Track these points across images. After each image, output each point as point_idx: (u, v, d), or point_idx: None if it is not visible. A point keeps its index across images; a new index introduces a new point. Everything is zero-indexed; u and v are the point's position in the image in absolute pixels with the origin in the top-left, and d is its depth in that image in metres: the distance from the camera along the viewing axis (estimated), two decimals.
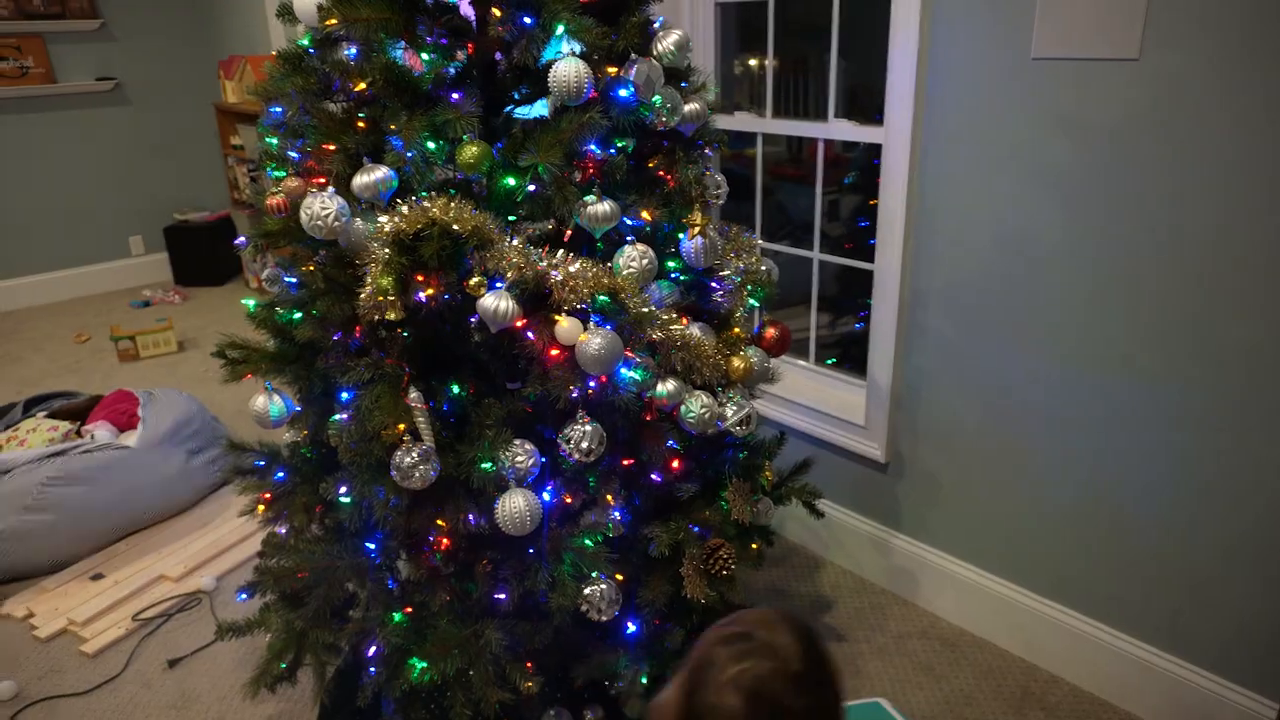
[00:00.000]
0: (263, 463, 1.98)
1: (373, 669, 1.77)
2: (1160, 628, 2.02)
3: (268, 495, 1.94)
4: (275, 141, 1.74)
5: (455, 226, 1.48)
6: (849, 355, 2.97)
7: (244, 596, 1.99)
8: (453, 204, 1.49)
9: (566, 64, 1.52)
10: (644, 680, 1.81)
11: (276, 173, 1.70)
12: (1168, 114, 1.72)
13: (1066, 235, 1.93)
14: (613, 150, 1.72)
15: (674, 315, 1.66)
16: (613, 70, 1.59)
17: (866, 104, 2.47)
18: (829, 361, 2.80)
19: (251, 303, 1.84)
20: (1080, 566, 2.12)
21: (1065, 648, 2.18)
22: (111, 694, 2.28)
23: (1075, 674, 2.18)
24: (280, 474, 1.92)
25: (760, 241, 2.13)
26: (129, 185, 5.58)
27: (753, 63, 3.18)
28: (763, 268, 1.91)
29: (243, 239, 1.78)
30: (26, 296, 5.37)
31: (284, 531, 1.94)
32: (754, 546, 1.96)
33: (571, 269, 1.53)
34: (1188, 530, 1.91)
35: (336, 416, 1.67)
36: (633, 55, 1.61)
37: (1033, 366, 2.07)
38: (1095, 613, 2.12)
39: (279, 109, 1.70)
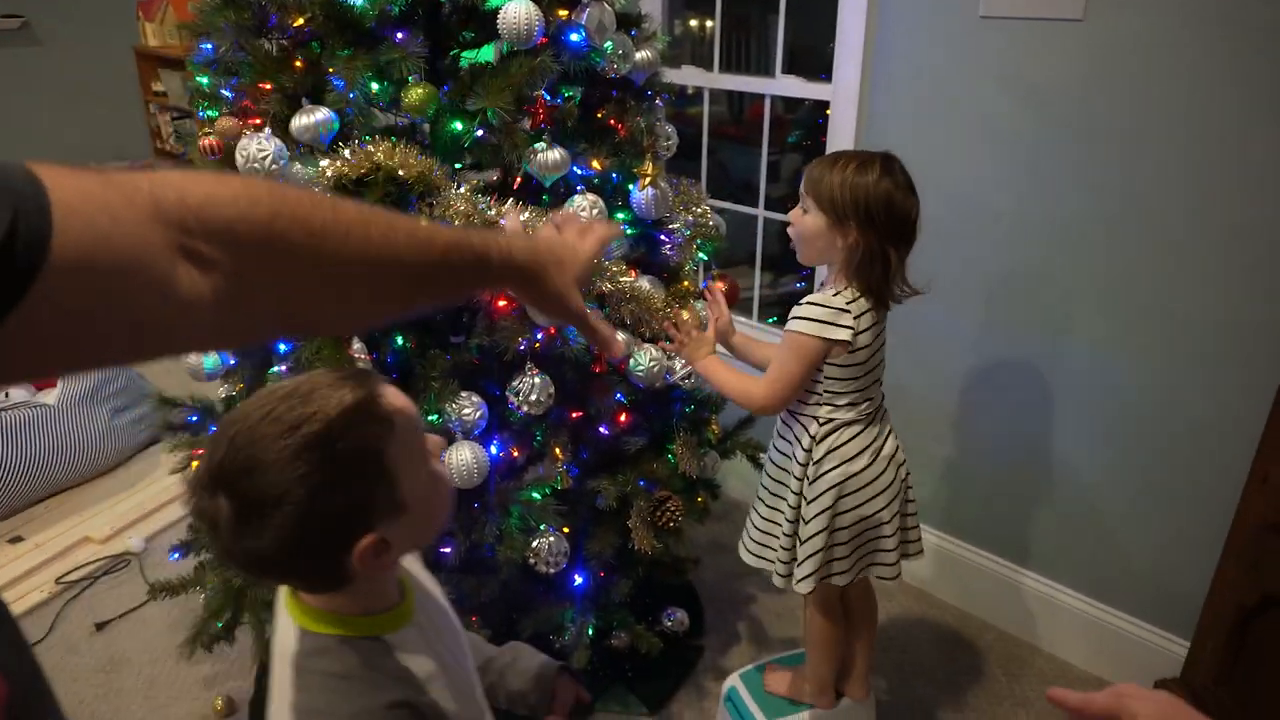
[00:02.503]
0: (195, 418, 1.91)
1: None
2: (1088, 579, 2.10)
3: (201, 451, 1.88)
4: (207, 80, 1.66)
5: (400, 172, 1.43)
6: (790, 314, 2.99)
7: (176, 556, 1.93)
8: (398, 148, 1.44)
9: (516, 5, 1.47)
10: (590, 632, 1.82)
11: (209, 113, 1.62)
12: (1112, 74, 1.76)
13: (1014, 194, 1.96)
14: (561, 99, 1.69)
15: (623, 267, 1.65)
16: (564, 13, 1.55)
17: (812, 64, 2.47)
18: (770, 320, 2.82)
19: None
20: (1013, 518, 2.19)
21: (993, 590, 2.27)
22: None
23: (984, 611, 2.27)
24: (214, 429, 1.85)
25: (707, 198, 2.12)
26: (41, 133, 5.27)
27: (694, 23, 3.15)
28: (711, 221, 1.90)
29: None
30: None
31: None
32: (700, 500, 1.97)
33: (520, 218, 1.49)
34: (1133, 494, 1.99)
35: (275, 369, 1.62)
36: None
37: (977, 327, 2.11)
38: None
39: (210, 45, 1.62)
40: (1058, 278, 1.95)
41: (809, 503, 1.57)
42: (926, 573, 2.40)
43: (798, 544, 1.60)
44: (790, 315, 1.52)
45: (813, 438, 1.55)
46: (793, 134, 3.62)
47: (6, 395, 2.90)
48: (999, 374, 2.11)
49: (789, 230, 1.55)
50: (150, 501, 2.80)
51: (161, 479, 2.87)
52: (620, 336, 1.64)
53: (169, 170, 0.52)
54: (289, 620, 0.88)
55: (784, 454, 1.62)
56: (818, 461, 1.55)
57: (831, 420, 1.55)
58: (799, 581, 1.60)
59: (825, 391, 1.54)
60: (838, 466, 1.55)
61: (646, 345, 1.68)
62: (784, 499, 1.62)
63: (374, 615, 0.88)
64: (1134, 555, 2.01)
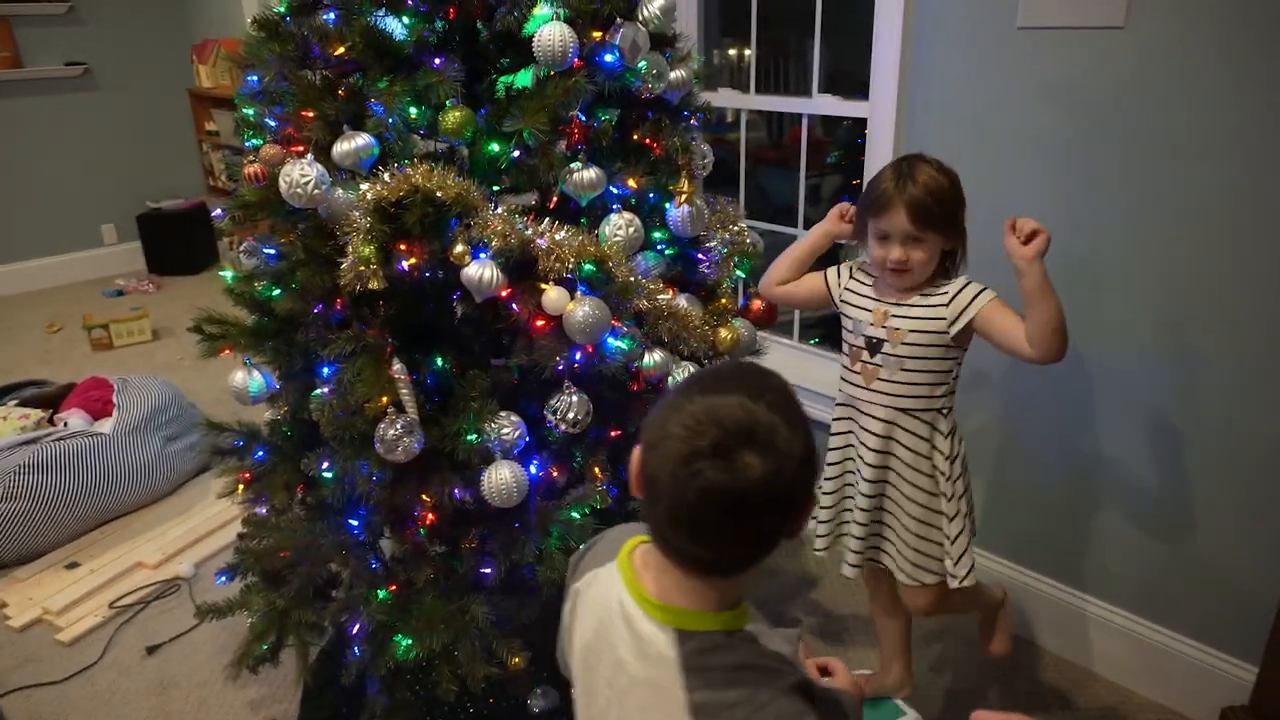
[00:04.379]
0: (241, 442, 1.94)
1: (357, 648, 1.74)
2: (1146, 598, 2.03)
3: (247, 475, 1.90)
4: (252, 111, 1.70)
5: (439, 193, 1.45)
6: (832, 336, 2.97)
7: (224, 579, 1.95)
8: (436, 171, 1.46)
9: (551, 28, 1.49)
10: None
11: (254, 141, 1.66)
12: (1155, 82, 1.72)
13: (1055, 205, 1.92)
14: (598, 121, 1.70)
15: (660, 285, 1.64)
16: (598, 35, 1.57)
17: (849, 84, 2.46)
18: (812, 341, 2.79)
19: (229, 274, 1.80)
20: (1065, 537, 2.13)
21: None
22: (89, 682, 2.24)
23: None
24: (260, 453, 1.88)
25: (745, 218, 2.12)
26: (100, 173, 5.48)
27: (732, 52, 3.17)
28: (749, 239, 1.89)
29: (219, 211, 1.74)
30: None
31: (264, 511, 1.90)
32: None
33: (557, 237, 1.50)
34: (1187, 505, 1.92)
35: (318, 391, 1.64)
36: (618, 19, 1.58)
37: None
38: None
39: (256, 77, 1.66)
40: (1107, 290, 1.90)
41: (957, 498, 1.63)
42: None
43: (947, 542, 1.65)
44: (976, 293, 1.57)
45: (950, 430, 1.63)
46: (832, 154, 3.61)
47: (65, 424, 2.98)
48: (1050, 388, 2.06)
49: (893, 271, 1.58)
50: (201, 527, 2.85)
51: (211, 505, 2.91)
52: (658, 355, 1.63)
53: None
54: (653, 628, 0.87)
55: (913, 463, 1.64)
56: (957, 454, 1.64)
57: (952, 408, 1.64)
58: (965, 576, 1.65)
59: (953, 379, 1.63)
60: (963, 453, 1.66)
61: (685, 363, 1.67)
62: (937, 503, 1.65)
63: (740, 607, 0.90)
64: (1196, 575, 1.94)
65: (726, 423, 0.79)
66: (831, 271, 1.76)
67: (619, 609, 0.90)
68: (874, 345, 1.63)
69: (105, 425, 2.96)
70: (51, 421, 3.06)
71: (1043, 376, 2.06)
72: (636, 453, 0.87)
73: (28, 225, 5.29)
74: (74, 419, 3.04)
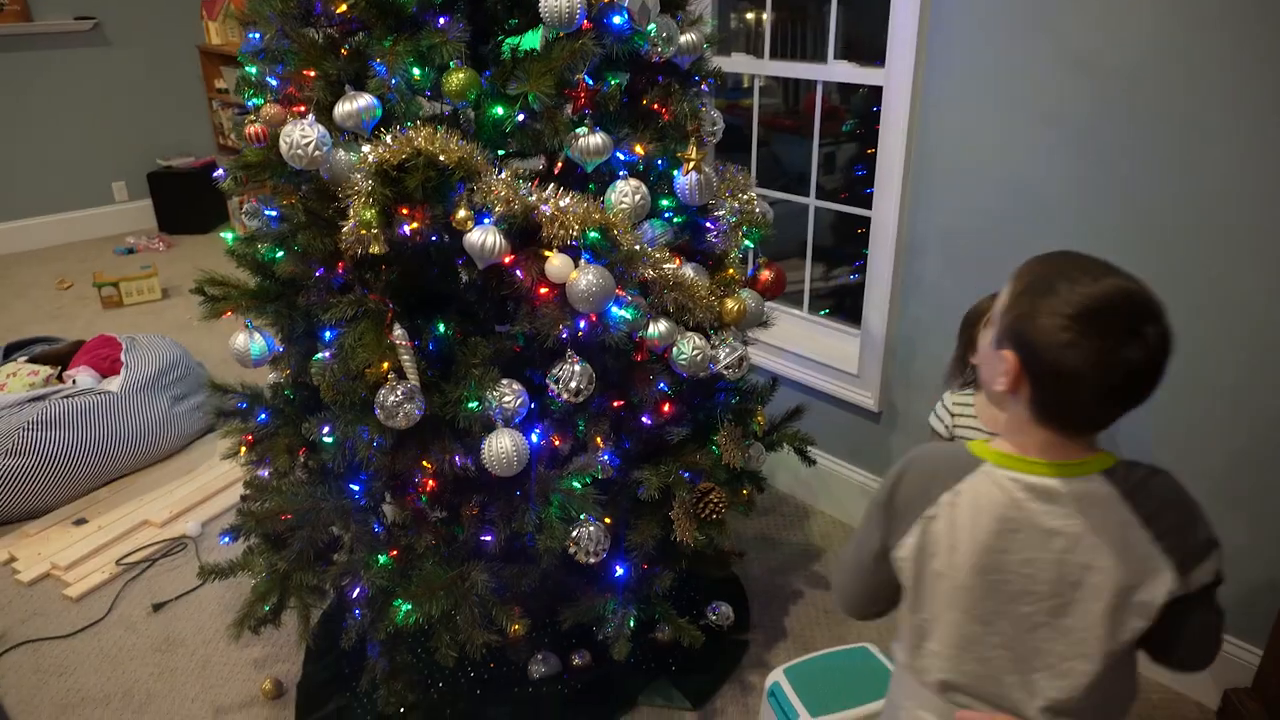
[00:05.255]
0: (245, 404, 1.94)
1: (358, 611, 1.75)
2: None
3: (250, 437, 1.91)
4: (254, 69, 1.68)
5: (441, 157, 1.42)
6: (842, 307, 2.94)
7: (227, 540, 1.96)
8: (439, 134, 1.44)
9: None
10: (631, 624, 1.80)
11: (255, 100, 1.63)
12: (1184, 51, 1.67)
13: (1076, 181, 1.88)
14: (607, 84, 1.67)
15: (667, 254, 1.62)
16: None
17: (867, 50, 2.41)
18: (822, 312, 2.76)
19: (230, 236, 1.78)
20: None
21: None
22: (95, 637, 2.26)
23: None
24: (263, 415, 1.88)
25: (756, 188, 2.08)
26: (110, 129, 5.45)
27: (750, 16, 3.10)
28: (758, 209, 1.86)
29: (221, 171, 1.72)
30: (6, 243, 5.26)
31: (266, 474, 1.90)
32: (744, 492, 1.94)
33: (561, 203, 1.48)
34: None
35: (319, 355, 1.63)
36: None
37: None
38: None
39: (258, 34, 1.63)
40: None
41: None
42: None
43: None
44: None
45: None
46: (847, 122, 3.55)
47: (74, 382, 2.99)
48: None
49: None
50: (208, 487, 2.86)
51: (217, 465, 2.93)
52: (663, 325, 1.61)
53: None
54: (1081, 484, 1.00)
55: None
56: None
57: None
58: None
59: None
60: None
61: (690, 333, 1.65)
62: None
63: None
64: None
65: (1122, 306, 0.94)
66: (936, 424, 1.78)
67: (1025, 494, 1.01)
68: None
69: (113, 383, 2.97)
70: (60, 378, 3.08)
71: None
72: (1011, 358, 0.98)
73: (39, 182, 5.28)
74: (82, 376, 3.05)
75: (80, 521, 2.71)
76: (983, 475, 1.04)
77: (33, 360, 3.18)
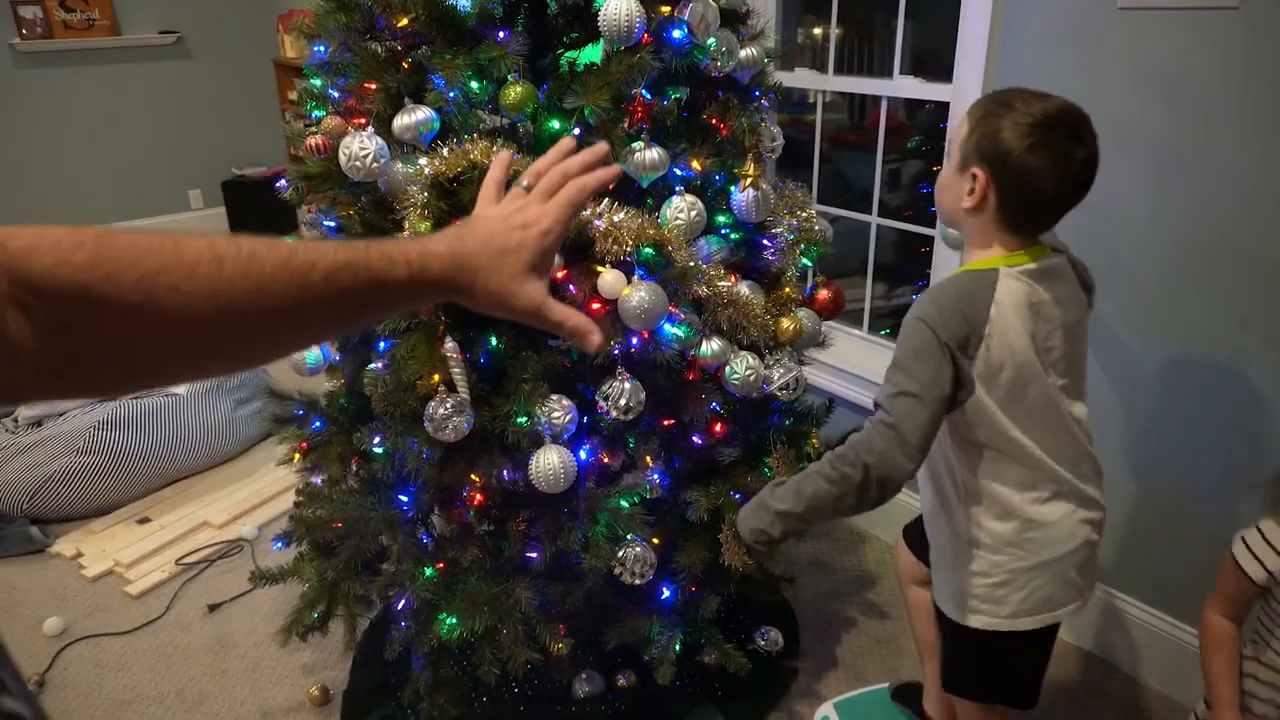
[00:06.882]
0: (301, 411, 1.97)
1: (403, 623, 1.75)
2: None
3: (305, 444, 1.93)
4: (319, 82, 1.70)
5: None
6: None
7: (279, 545, 1.98)
8: (495, 147, 1.43)
9: (617, 2, 1.44)
10: (677, 647, 1.77)
11: (318, 112, 1.66)
12: (1271, 69, 1.59)
13: (1148, 200, 1.80)
14: (666, 99, 1.65)
15: (722, 271, 1.59)
16: (666, 10, 1.51)
17: (935, 66, 2.35)
18: (883, 332, 2.70)
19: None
20: (1126, 550, 2.01)
21: (1100, 622, 2.08)
22: (152, 635, 2.31)
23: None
24: (317, 423, 1.90)
25: (816, 205, 2.04)
26: (189, 139, 5.64)
27: (817, 31, 3.06)
28: (817, 227, 1.82)
29: (283, 181, 1.75)
30: None
31: (319, 481, 1.92)
32: None
33: (616, 218, 1.46)
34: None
35: (372, 365, 1.64)
36: None
37: (1101, 338, 1.95)
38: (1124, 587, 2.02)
39: (323, 47, 1.66)
40: (1201, 290, 1.77)
41: None
42: None
43: None
44: None
45: None
46: (913, 139, 3.49)
47: None
48: (1134, 384, 1.94)
49: None
50: (265, 491, 2.91)
51: (275, 470, 2.98)
52: (716, 343, 1.58)
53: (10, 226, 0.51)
54: (1056, 260, 1.32)
55: None
56: None
57: None
58: None
59: None
60: None
61: (744, 353, 1.62)
62: None
63: None
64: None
65: (1066, 117, 1.19)
66: None
67: (1032, 280, 1.25)
68: None
69: (180, 386, 3.05)
70: None
71: (1120, 369, 1.94)
72: (981, 173, 1.22)
73: (122, 188, 5.48)
74: None
75: (144, 520, 2.78)
76: (1005, 277, 1.24)
77: None
